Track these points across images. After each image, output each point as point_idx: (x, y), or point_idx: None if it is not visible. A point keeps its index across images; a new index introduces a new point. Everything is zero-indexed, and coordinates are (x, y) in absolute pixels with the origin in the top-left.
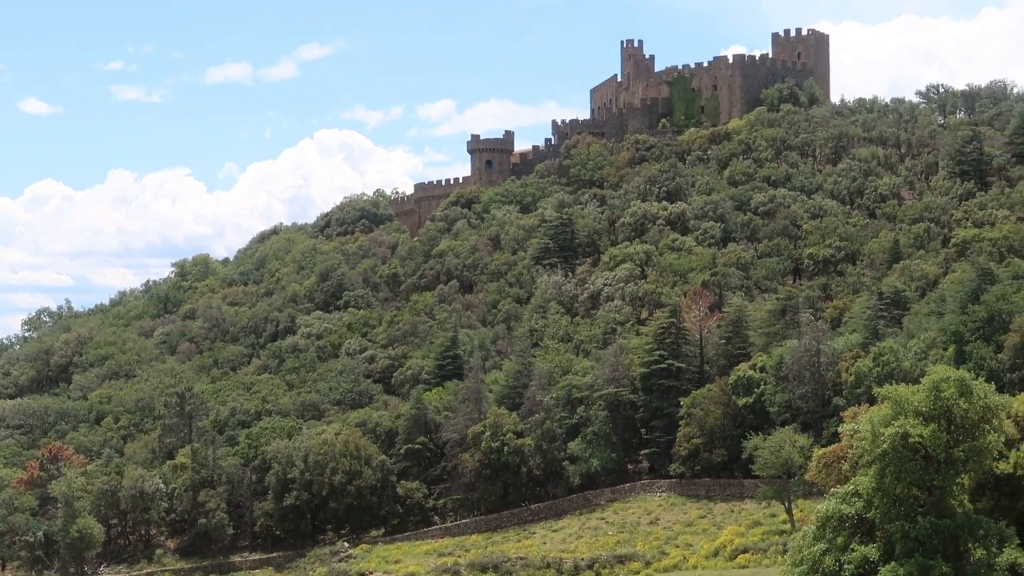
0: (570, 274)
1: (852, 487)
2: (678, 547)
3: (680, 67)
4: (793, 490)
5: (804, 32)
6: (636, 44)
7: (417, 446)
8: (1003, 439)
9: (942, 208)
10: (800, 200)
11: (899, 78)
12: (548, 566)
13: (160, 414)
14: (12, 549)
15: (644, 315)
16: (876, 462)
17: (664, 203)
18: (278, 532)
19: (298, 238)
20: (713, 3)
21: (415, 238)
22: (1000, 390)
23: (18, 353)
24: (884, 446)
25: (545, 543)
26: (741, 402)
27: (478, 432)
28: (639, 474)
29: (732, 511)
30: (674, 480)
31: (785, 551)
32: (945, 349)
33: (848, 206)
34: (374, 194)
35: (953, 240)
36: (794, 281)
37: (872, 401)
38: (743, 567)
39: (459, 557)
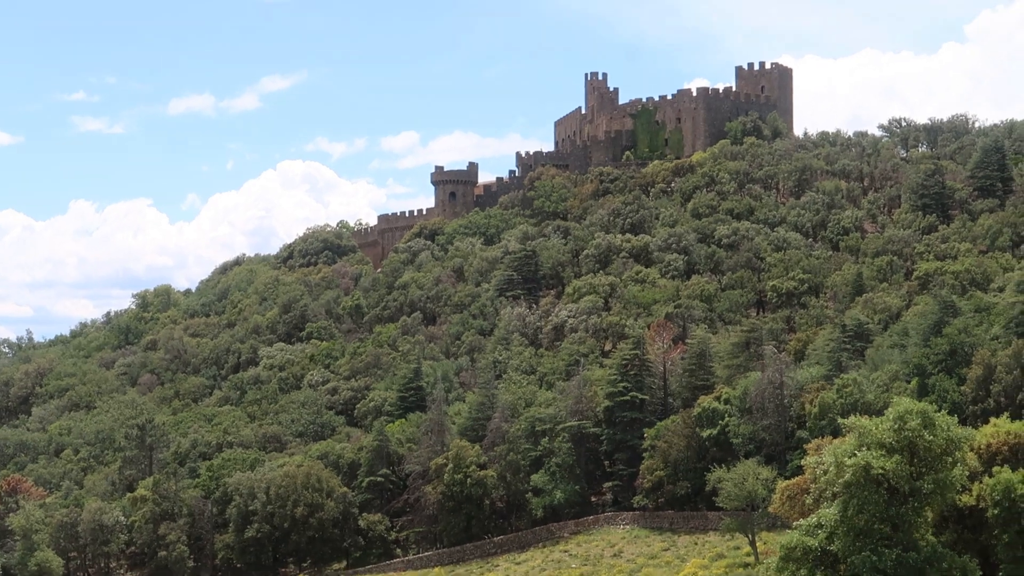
0: (534, 306)
1: (816, 519)
2: None
3: (644, 100)
4: (757, 523)
5: (767, 66)
6: (600, 77)
7: (379, 478)
8: (966, 472)
9: (905, 241)
10: (764, 233)
11: (861, 112)
12: None
13: (121, 446)
14: None
15: (608, 347)
16: (840, 494)
17: (628, 235)
18: (239, 565)
19: (260, 269)
20: (677, 37)
21: (378, 269)
22: (963, 423)
23: None
24: (847, 477)
25: None
26: (705, 434)
27: (441, 464)
28: (603, 506)
29: (696, 544)
30: (638, 512)
31: None
32: (908, 382)
33: (811, 239)
34: (337, 225)
35: (916, 273)
36: (758, 313)
37: (836, 433)
38: None
39: None
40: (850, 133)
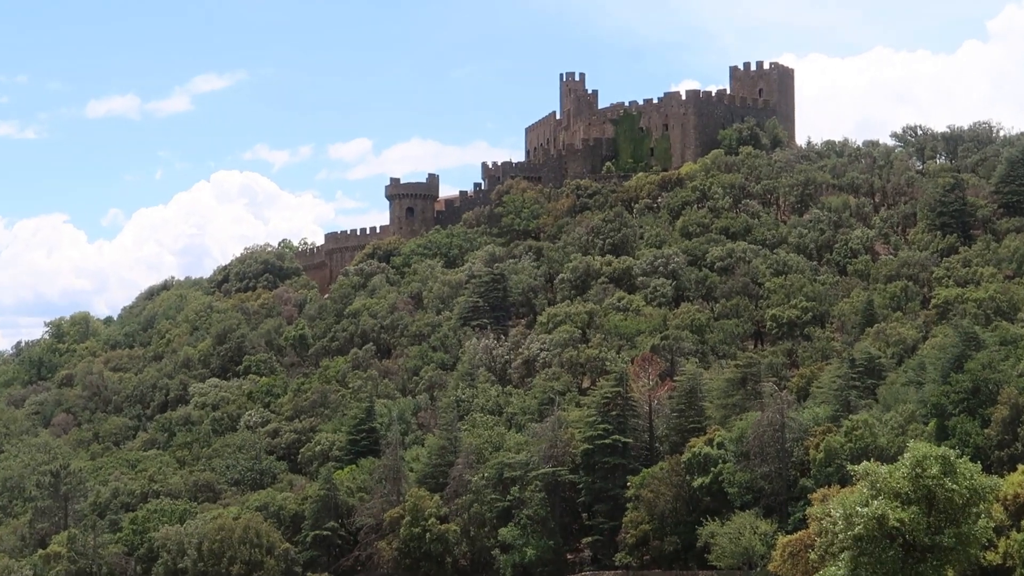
0: (502, 337)
1: None
2: None
3: (627, 104)
4: None
5: (766, 66)
6: (577, 78)
7: (327, 532)
8: (992, 525)
9: (921, 265)
10: (762, 255)
11: (872, 118)
12: None
13: (32, 495)
14: None
15: (586, 384)
16: (849, 549)
17: (608, 257)
18: None
19: (192, 294)
20: (664, 33)
21: (326, 295)
22: (987, 470)
23: None
24: (859, 530)
25: None
26: (696, 483)
27: (396, 516)
28: (580, 565)
29: None
30: (620, 572)
31: None
32: (926, 423)
33: (816, 262)
34: (279, 245)
35: (934, 301)
36: (755, 346)
37: (844, 482)
38: None
39: None
40: (859, 142)
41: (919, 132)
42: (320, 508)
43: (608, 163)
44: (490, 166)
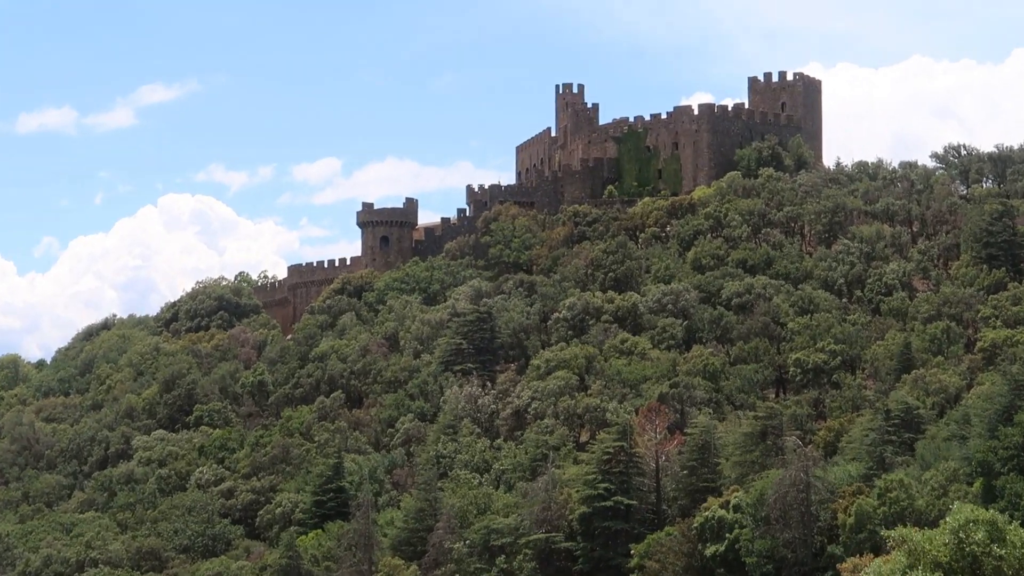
0: (489, 384)
1: None
2: None
3: (632, 119)
4: None
5: (789, 76)
6: (575, 89)
7: None
8: None
9: (965, 303)
10: (784, 291)
11: (909, 136)
12: None
13: None
14: None
15: (584, 438)
16: None
17: (610, 293)
18: None
19: (136, 335)
20: (673, 39)
21: (288, 336)
22: None
23: None
24: None
25: None
26: (709, 551)
27: None
28: None
29: None
30: None
31: None
32: (970, 483)
33: (846, 299)
34: (236, 278)
35: (979, 344)
36: (777, 395)
37: (877, 550)
38: None
39: None
40: (895, 164)
41: (963, 152)
42: None
43: (610, 186)
44: (476, 189)
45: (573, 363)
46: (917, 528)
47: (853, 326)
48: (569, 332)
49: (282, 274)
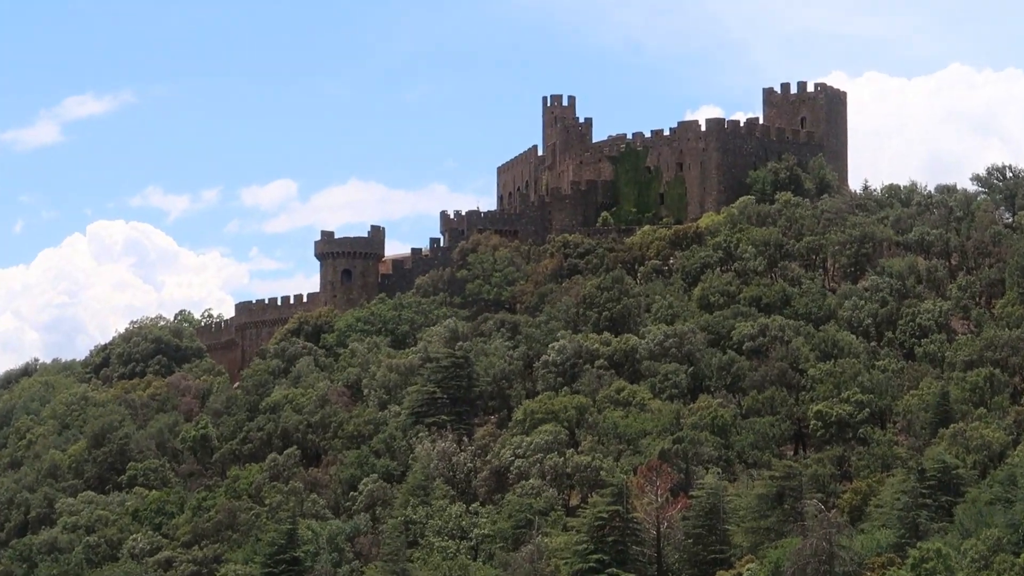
0: (465, 439)
1: None
2: None
3: (630, 136)
4: None
5: (810, 88)
6: (565, 102)
7: None
8: None
9: (1011, 347)
10: (805, 333)
11: (947, 155)
12: None
13: None
14: None
15: (574, 501)
16: None
17: (605, 335)
18: None
19: (61, 382)
20: (677, 45)
21: (236, 384)
22: None
23: None
24: None
25: None
26: None
27: None
28: None
29: None
30: None
31: None
32: (1016, 554)
33: (874, 342)
34: (176, 318)
35: None
36: (796, 452)
37: None
38: None
39: None
40: (931, 187)
41: (1008, 174)
42: None
43: (605, 213)
44: (451, 216)
45: (562, 415)
46: None
47: (883, 373)
48: (558, 380)
49: (229, 313)
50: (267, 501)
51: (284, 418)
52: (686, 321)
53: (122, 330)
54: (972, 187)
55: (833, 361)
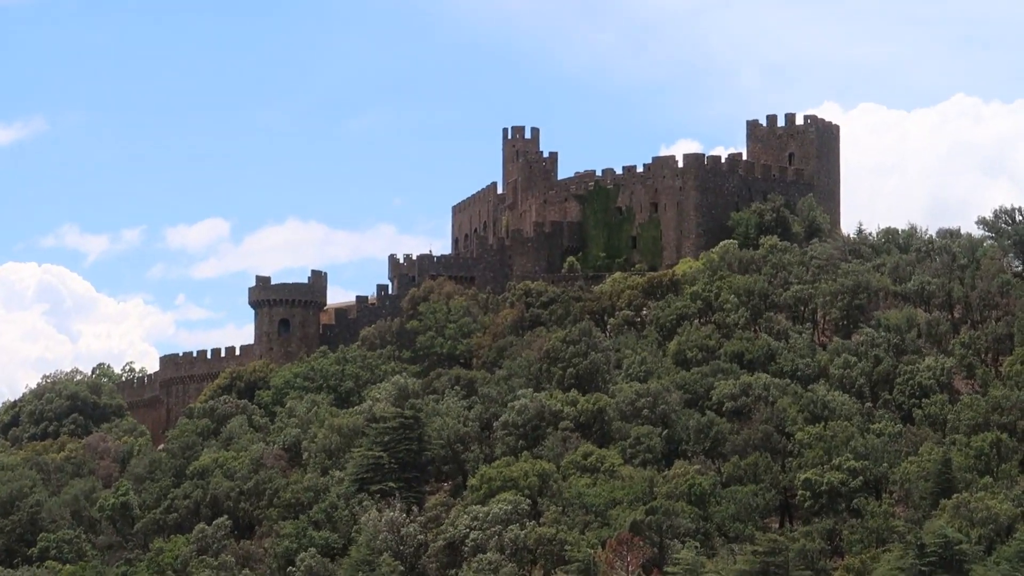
0: (415, 509)
1: None
2: None
3: (599, 173)
4: None
5: (799, 120)
6: (528, 135)
7: None
8: None
9: (1020, 409)
10: (792, 392)
11: (950, 196)
12: None
13: None
14: None
15: None
16: None
17: (571, 394)
18: None
19: None
20: (652, 72)
21: (160, 446)
22: None
23: None
24: None
25: None
26: None
27: None
28: None
29: None
30: None
31: None
32: None
33: (869, 403)
34: (94, 372)
35: None
36: (782, 524)
37: None
38: None
39: None
40: (932, 231)
41: (1017, 218)
42: None
43: (571, 258)
44: (401, 260)
45: (523, 482)
46: None
47: (878, 438)
48: (518, 443)
49: (153, 367)
50: None
51: (214, 484)
52: (660, 379)
53: (33, 385)
54: (978, 232)
55: (823, 424)
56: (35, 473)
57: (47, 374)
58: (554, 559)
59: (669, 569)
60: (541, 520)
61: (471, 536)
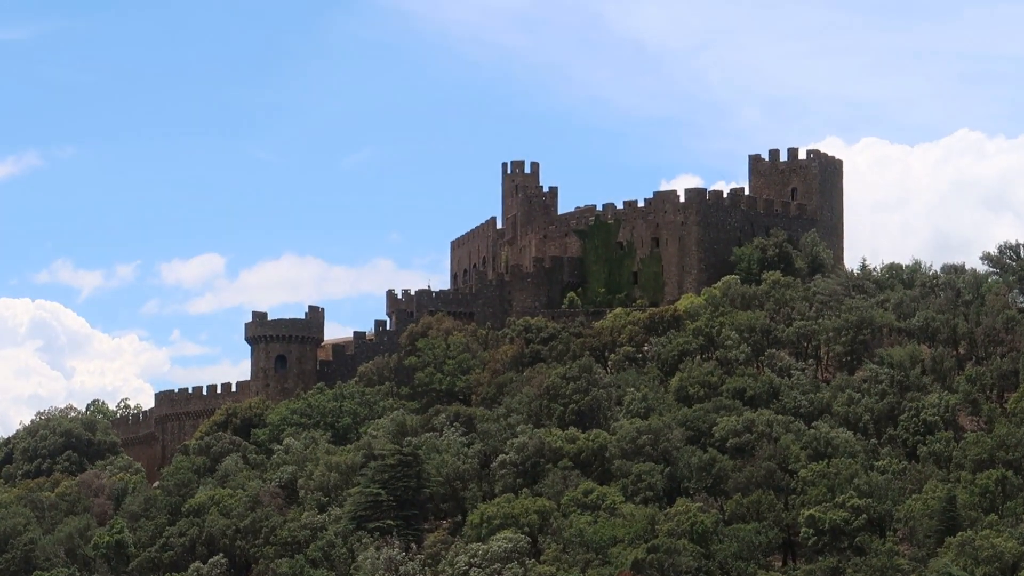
0: (414, 547)
1: None
2: None
3: (599, 208)
4: None
5: (802, 155)
6: (528, 169)
7: None
8: None
9: None
10: (795, 429)
11: (955, 231)
12: None
13: None
14: None
15: None
16: None
17: (571, 431)
18: None
19: None
20: (653, 107)
21: (155, 483)
22: None
23: None
24: None
25: None
26: None
27: None
28: None
29: None
30: None
31: None
32: None
33: (873, 440)
34: (88, 409)
35: None
36: (784, 563)
37: None
38: None
39: None
40: (936, 267)
41: (1022, 253)
42: None
43: (571, 293)
44: (399, 296)
45: (523, 520)
46: None
47: (882, 475)
48: (518, 480)
49: (148, 403)
50: None
51: (209, 522)
52: (662, 415)
53: (27, 422)
54: (982, 267)
55: (826, 461)
56: (29, 511)
57: (41, 411)
58: None
59: None
60: (541, 558)
61: (470, 574)
